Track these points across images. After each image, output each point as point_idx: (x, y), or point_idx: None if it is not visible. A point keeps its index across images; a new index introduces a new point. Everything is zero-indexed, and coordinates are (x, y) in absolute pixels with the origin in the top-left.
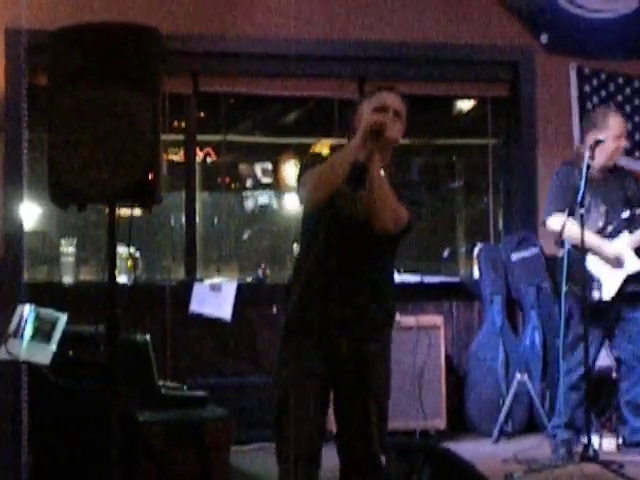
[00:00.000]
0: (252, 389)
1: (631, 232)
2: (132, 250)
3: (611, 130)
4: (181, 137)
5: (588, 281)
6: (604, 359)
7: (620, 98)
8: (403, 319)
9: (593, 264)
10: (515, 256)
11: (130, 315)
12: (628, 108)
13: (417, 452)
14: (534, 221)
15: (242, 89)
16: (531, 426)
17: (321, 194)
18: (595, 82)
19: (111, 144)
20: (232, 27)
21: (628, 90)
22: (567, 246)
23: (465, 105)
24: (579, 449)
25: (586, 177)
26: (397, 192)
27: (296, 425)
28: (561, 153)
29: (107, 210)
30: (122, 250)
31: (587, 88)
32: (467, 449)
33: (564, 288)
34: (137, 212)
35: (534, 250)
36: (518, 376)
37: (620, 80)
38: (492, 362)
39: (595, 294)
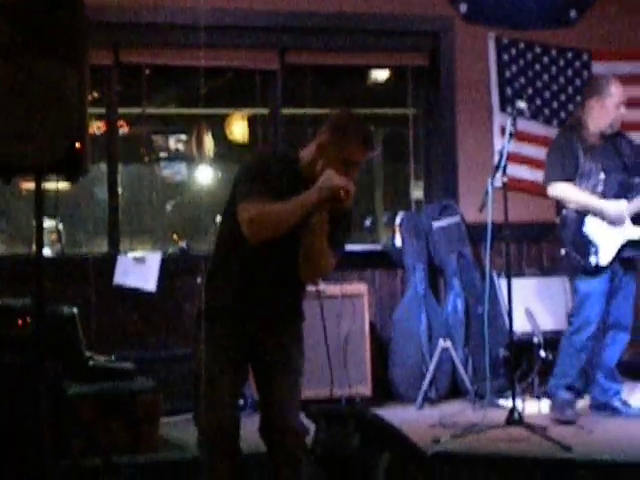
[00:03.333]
0: (178, 360)
1: (628, 200)
2: (56, 223)
3: (613, 98)
4: (101, 110)
5: (586, 246)
6: (525, 325)
7: (538, 67)
8: (327, 288)
9: (592, 229)
10: (436, 224)
11: (54, 288)
12: (545, 77)
13: (346, 419)
14: (454, 189)
15: (162, 60)
16: (454, 392)
17: (262, 238)
18: (513, 51)
19: (38, 116)
20: None
21: (545, 59)
22: (565, 211)
23: (384, 75)
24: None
25: (586, 144)
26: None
27: (215, 399)
28: (480, 122)
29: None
30: (45, 223)
31: (505, 57)
32: (393, 415)
33: (562, 251)
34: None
35: (455, 218)
36: (441, 342)
37: (537, 49)
38: (415, 329)
39: (592, 259)
